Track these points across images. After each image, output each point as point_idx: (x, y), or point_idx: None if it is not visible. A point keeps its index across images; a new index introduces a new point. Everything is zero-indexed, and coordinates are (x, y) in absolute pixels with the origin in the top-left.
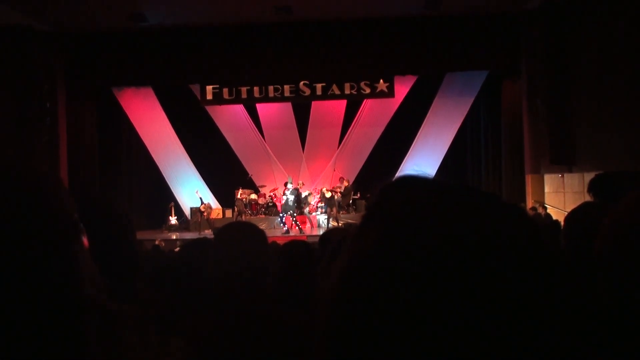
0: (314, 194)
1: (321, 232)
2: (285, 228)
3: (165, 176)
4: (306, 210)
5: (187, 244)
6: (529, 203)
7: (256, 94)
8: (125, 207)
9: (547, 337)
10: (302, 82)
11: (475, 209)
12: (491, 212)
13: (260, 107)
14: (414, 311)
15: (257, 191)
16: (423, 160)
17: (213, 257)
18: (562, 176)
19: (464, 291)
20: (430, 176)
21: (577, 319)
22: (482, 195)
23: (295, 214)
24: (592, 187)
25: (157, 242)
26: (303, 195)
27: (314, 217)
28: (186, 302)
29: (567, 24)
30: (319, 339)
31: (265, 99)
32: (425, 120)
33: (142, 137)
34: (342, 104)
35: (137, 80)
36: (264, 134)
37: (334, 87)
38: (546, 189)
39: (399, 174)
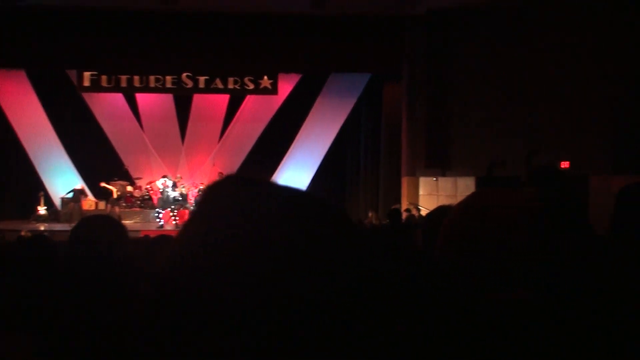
0: (192, 188)
1: None
2: (160, 222)
3: (35, 164)
4: (187, 205)
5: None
6: (404, 205)
7: (136, 83)
8: None
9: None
10: (184, 74)
11: (292, 209)
12: (308, 212)
13: (140, 97)
14: (219, 308)
15: (132, 183)
16: (303, 159)
17: (66, 251)
18: (437, 179)
19: (271, 290)
20: (255, 178)
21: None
22: (304, 196)
23: (175, 209)
24: (531, 178)
25: (22, 233)
26: (179, 191)
27: None
28: (40, 296)
29: (449, 32)
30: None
31: (146, 89)
32: (306, 119)
33: (11, 123)
34: (224, 98)
35: (8, 62)
36: (143, 125)
37: (217, 81)
38: (421, 192)
39: (278, 171)
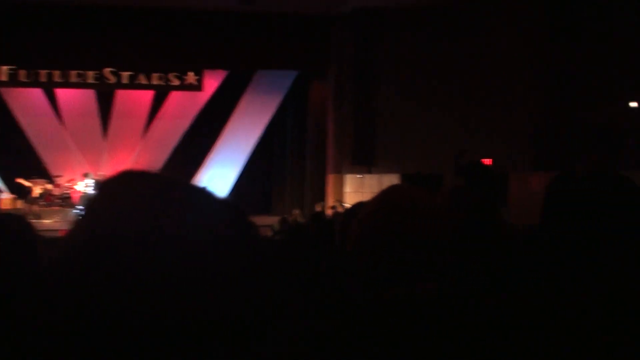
0: None
1: None
2: None
3: None
4: None
5: None
6: (330, 202)
7: (56, 78)
8: None
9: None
10: (107, 69)
11: (185, 204)
12: (201, 208)
13: (60, 93)
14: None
15: (51, 181)
16: (228, 156)
17: None
18: (362, 177)
19: (156, 287)
20: (152, 172)
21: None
22: (199, 192)
23: None
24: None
25: None
26: None
27: None
28: None
29: (375, 31)
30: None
31: (66, 84)
32: (232, 116)
33: None
34: (148, 94)
35: None
36: (64, 121)
37: (141, 76)
38: (347, 189)
39: (204, 168)
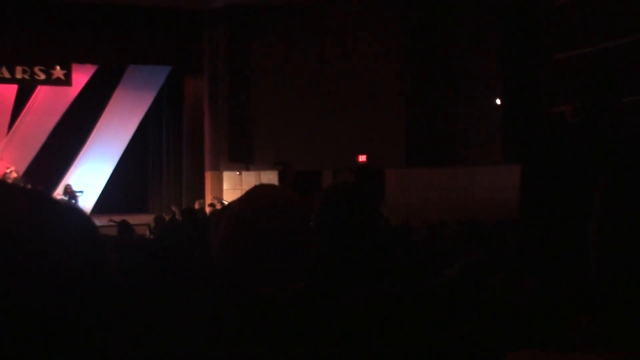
0: None
1: None
2: None
3: None
4: None
5: None
6: (208, 199)
7: None
8: None
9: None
10: None
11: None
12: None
13: None
14: None
15: None
16: (101, 152)
17: None
18: (240, 174)
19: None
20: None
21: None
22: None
23: None
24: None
25: None
26: None
27: None
28: None
29: (248, 27)
30: None
31: None
32: (104, 111)
33: None
34: (12, 88)
35: None
36: None
37: (4, 70)
38: (225, 186)
39: (75, 165)
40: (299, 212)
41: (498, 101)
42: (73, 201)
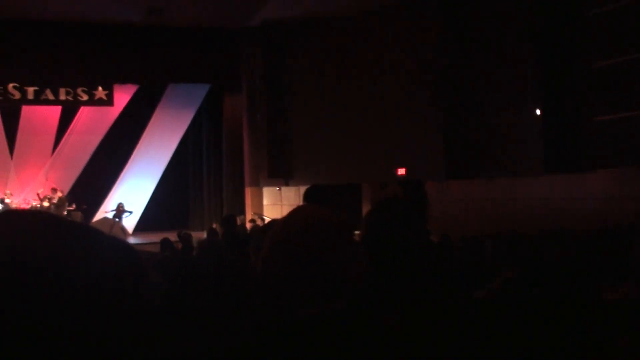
0: (24, 205)
1: None
2: None
3: None
4: None
5: None
6: (249, 215)
7: None
8: None
9: None
10: (11, 85)
11: (69, 243)
12: (86, 246)
13: None
14: None
15: None
16: (143, 172)
17: None
18: (280, 189)
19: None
20: (36, 211)
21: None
22: (85, 230)
23: None
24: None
25: None
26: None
27: None
28: None
29: (285, 43)
30: None
31: None
32: (145, 130)
33: None
34: (56, 110)
35: None
36: None
37: (48, 92)
38: (265, 202)
39: (118, 184)
40: (341, 232)
41: (538, 111)
42: (117, 220)
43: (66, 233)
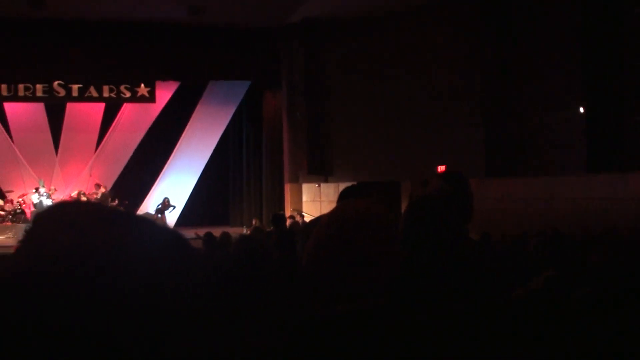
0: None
1: None
2: None
3: None
4: None
5: None
6: (288, 211)
7: (4, 91)
8: None
9: None
10: (56, 82)
11: (124, 235)
12: (142, 238)
13: (9, 107)
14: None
15: (2, 197)
16: (184, 167)
17: None
18: (319, 186)
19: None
20: (91, 202)
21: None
22: (140, 221)
23: None
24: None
25: None
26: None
27: None
28: None
29: (325, 40)
30: None
31: (15, 98)
32: (187, 127)
33: None
34: (99, 106)
35: None
36: (12, 135)
37: (92, 89)
38: (304, 198)
39: (159, 180)
40: (388, 227)
41: (582, 109)
42: (159, 215)
43: (122, 222)
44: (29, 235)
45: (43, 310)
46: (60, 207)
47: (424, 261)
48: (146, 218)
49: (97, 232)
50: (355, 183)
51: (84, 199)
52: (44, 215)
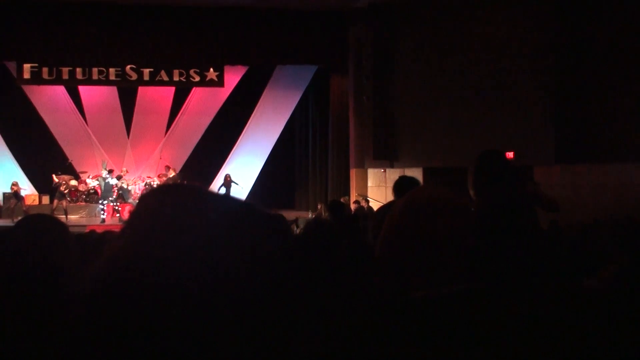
0: (139, 182)
1: None
2: (102, 216)
3: None
4: (130, 199)
5: None
6: (353, 196)
7: (79, 75)
8: None
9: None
10: (128, 66)
11: (227, 219)
12: (244, 222)
13: (83, 90)
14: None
15: (77, 177)
16: (251, 151)
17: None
18: (385, 171)
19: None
20: (197, 185)
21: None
22: (243, 206)
23: (117, 202)
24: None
25: None
26: (125, 185)
27: None
28: None
29: (393, 24)
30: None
31: (89, 81)
32: (254, 111)
33: None
34: (170, 90)
35: None
36: (87, 118)
37: (162, 73)
38: (369, 183)
39: (226, 164)
40: (462, 213)
41: None
42: (224, 191)
43: (217, 200)
44: (133, 216)
45: (156, 281)
46: (162, 189)
47: (499, 248)
48: (227, 195)
49: (194, 209)
50: (404, 175)
51: (172, 173)
52: (148, 196)
